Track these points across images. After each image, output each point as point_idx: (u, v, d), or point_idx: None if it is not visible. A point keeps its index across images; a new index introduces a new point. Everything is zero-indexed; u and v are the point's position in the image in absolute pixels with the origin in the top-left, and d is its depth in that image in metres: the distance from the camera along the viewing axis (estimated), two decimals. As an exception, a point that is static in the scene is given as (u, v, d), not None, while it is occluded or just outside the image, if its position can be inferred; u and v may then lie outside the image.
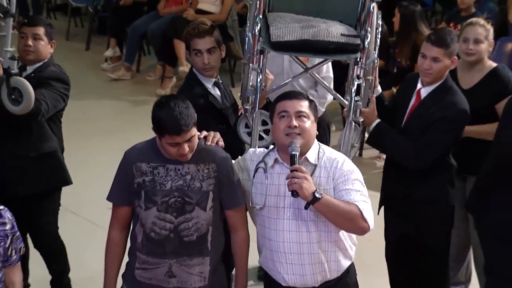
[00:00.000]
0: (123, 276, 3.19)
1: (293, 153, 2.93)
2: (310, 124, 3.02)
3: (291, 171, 2.89)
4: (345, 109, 3.60)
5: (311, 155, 3.04)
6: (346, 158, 3.09)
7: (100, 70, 8.39)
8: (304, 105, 3.04)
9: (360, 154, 6.37)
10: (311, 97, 3.32)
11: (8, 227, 3.15)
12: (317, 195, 2.86)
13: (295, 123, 2.98)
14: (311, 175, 2.97)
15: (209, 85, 3.84)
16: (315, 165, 3.02)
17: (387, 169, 3.96)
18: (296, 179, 2.86)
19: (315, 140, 3.10)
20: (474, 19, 4.22)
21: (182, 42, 7.45)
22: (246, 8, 7.88)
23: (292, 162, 2.92)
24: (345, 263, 3.11)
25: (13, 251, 3.18)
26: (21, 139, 3.89)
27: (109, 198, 3.13)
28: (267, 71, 3.87)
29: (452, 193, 3.79)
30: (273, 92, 3.79)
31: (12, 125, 3.80)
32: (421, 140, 3.62)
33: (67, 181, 4.12)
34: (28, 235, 4.07)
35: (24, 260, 3.75)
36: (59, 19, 9.69)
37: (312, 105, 3.09)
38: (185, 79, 4.06)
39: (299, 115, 3.01)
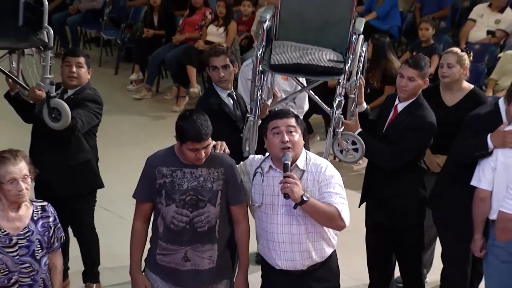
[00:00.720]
0: (145, 260, 3.20)
1: (286, 162, 2.94)
2: (298, 137, 3.02)
3: (284, 177, 2.90)
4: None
5: (300, 162, 3.04)
6: (328, 164, 3.08)
7: (126, 91, 8.38)
8: (292, 121, 3.03)
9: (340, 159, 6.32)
10: (291, 109, 3.32)
11: (51, 219, 3.16)
12: (304, 198, 2.87)
13: (287, 138, 2.98)
14: (300, 179, 2.97)
15: (223, 95, 3.89)
16: (303, 171, 3.02)
17: (368, 169, 3.94)
18: (288, 184, 2.86)
19: (303, 148, 3.09)
20: (450, 49, 4.20)
21: (193, 68, 7.54)
22: (246, 39, 7.91)
23: (285, 170, 2.92)
24: (329, 251, 3.11)
25: (55, 239, 3.18)
26: (62, 150, 3.88)
27: (134, 195, 3.14)
28: (276, 89, 3.91)
29: (423, 191, 3.78)
30: (273, 106, 3.84)
31: (55, 139, 3.79)
32: (395, 146, 3.63)
33: (99, 185, 4.11)
34: (69, 227, 4.06)
35: (64, 247, 3.73)
36: (93, 49, 9.68)
37: (299, 121, 3.09)
38: (205, 90, 4.13)
39: (289, 130, 3.00)
